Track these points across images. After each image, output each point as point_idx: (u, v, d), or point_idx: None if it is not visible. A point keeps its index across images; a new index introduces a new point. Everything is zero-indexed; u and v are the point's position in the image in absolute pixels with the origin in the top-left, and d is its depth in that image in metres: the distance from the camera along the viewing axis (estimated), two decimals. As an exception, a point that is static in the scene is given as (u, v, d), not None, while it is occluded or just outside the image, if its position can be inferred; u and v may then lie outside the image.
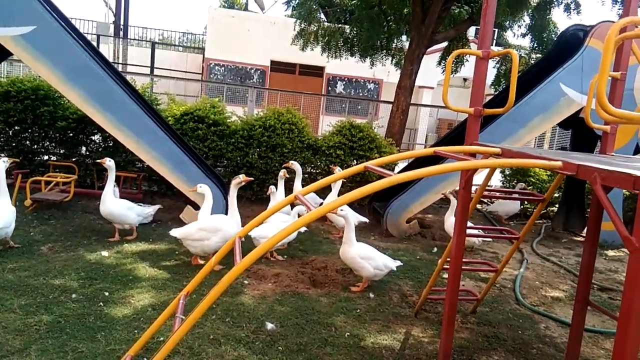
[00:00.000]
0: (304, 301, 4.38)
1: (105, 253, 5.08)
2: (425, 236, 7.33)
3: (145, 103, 6.88)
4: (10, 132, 7.65)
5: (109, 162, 5.62)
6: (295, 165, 7.15)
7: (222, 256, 2.75)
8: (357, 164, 8.56)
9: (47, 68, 5.86)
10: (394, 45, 11.63)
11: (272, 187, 6.17)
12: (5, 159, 5.08)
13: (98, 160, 5.73)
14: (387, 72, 18.04)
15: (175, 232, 4.99)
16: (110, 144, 8.07)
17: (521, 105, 6.81)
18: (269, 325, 3.81)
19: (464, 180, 3.34)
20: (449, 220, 6.67)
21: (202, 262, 5.12)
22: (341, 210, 4.68)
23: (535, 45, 11.48)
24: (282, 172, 6.57)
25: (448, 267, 3.85)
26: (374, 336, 3.87)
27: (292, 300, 4.36)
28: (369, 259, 4.70)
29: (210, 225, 5.00)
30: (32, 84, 7.63)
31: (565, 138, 14.28)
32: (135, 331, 3.54)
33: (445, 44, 11.25)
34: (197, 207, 6.62)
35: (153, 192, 8.14)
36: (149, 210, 5.96)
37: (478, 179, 4.70)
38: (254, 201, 8.38)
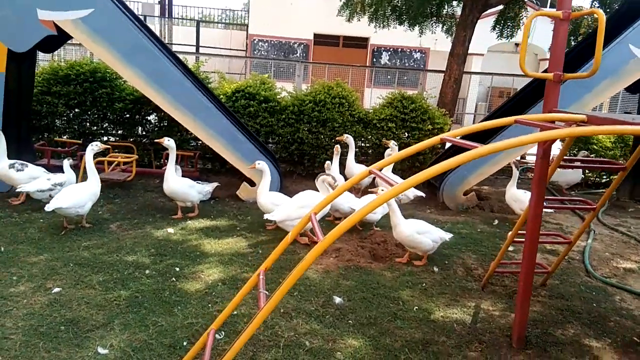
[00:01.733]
0: (367, 275, 4.38)
1: (171, 230, 5.24)
2: (483, 208, 7.13)
3: (199, 81, 6.93)
4: (71, 114, 7.94)
5: (167, 142, 5.73)
6: (349, 139, 7.07)
7: (299, 231, 2.73)
8: (408, 136, 8.38)
9: (105, 49, 5.99)
10: (444, 11, 11.17)
11: (328, 163, 6.13)
12: (98, 143, 5.29)
13: (157, 140, 5.87)
14: (434, 40, 17.44)
15: (273, 217, 5.02)
16: (165, 124, 8.24)
17: (587, 68, 6.40)
18: (337, 299, 3.83)
19: (542, 150, 3.17)
20: (510, 192, 6.45)
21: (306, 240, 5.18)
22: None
23: (597, 5, 10.72)
24: (337, 147, 6.50)
25: (518, 240, 3.73)
26: (443, 310, 3.82)
27: (355, 275, 4.36)
28: (425, 232, 4.63)
29: (309, 202, 5.01)
30: (90, 67, 7.85)
31: (629, 103, 13.44)
32: (209, 305, 3.65)
33: (500, 7, 10.69)
34: (252, 184, 6.71)
35: (207, 169, 8.29)
36: (208, 188, 6.07)
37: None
38: (305, 177, 8.40)
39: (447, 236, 4.80)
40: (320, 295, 3.91)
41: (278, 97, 8.25)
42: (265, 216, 5.12)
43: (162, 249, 4.68)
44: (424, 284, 4.27)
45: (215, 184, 6.42)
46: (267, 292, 2.46)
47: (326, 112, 8.06)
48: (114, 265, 4.24)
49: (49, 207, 4.73)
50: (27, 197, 5.80)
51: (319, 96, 8.08)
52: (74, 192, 4.91)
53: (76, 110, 7.90)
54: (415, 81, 18.68)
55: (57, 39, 6.55)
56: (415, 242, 4.61)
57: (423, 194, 6.75)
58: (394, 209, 4.63)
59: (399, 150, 6.86)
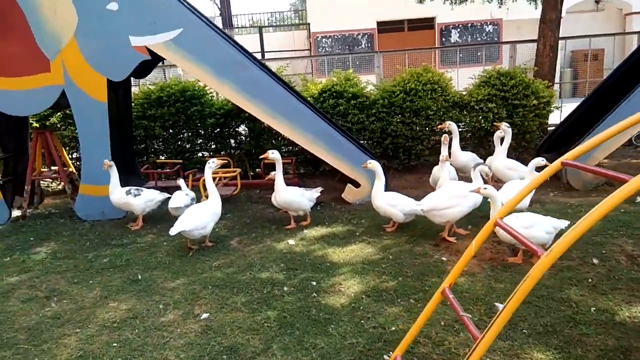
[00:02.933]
0: (520, 275, 3.96)
1: (292, 242, 5.10)
2: (613, 185, 6.43)
3: (289, 86, 6.79)
4: (167, 135, 8.10)
5: (272, 155, 5.59)
6: (452, 126, 6.63)
7: (483, 240, 2.42)
8: (508, 115, 7.78)
9: (198, 66, 5.97)
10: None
11: (444, 155, 5.71)
12: (214, 160, 5.29)
13: (262, 156, 5.73)
14: (505, 10, 16.35)
15: (420, 205, 4.89)
16: (255, 134, 8.21)
17: None
18: (500, 306, 3.47)
19: None
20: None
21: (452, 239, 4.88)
22: (484, 189, 4.26)
23: None
24: (445, 137, 6.10)
25: None
26: (626, 309, 3.36)
27: (506, 275, 3.98)
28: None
29: (458, 192, 4.81)
30: (179, 87, 7.96)
31: None
32: (362, 322, 3.42)
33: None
34: (356, 185, 6.47)
35: (301, 174, 8.16)
36: (316, 194, 5.90)
37: None
38: (401, 170, 8.06)
39: (563, 224, 4.25)
40: (478, 303, 3.57)
41: (364, 92, 7.96)
42: (415, 206, 4.94)
43: (290, 263, 4.54)
44: (590, 280, 3.80)
45: (319, 189, 6.23)
46: (468, 315, 2.18)
47: (418, 100, 7.66)
48: (250, 284, 4.14)
49: (173, 231, 4.74)
50: (144, 221, 5.93)
51: (409, 85, 7.70)
52: (196, 213, 4.89)
53: (170, 130, 8.04)
54: (490, 56, 17.70)
55: (149, 63, 6.67)
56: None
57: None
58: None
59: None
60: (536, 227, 4.15)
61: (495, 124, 6.66)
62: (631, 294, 3.54)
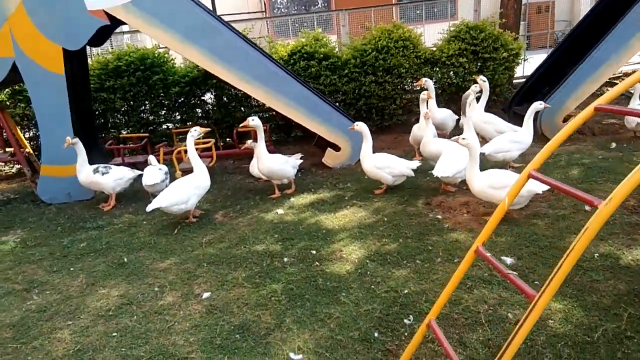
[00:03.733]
0: (518, 227, 4.00)
1: (280, 211, 4.93)
2: (584, 132, 6.60)
3: (261, 50, 6.44)
4: (127, 107, 7.59)
5: (253, 122, 5.30)
6: (429, 82, 6.53)
7: (516, 194, 2.33)
8: (479, 70, 7.77)
9: (163, 30, 5.54)
10: None
11: (425, 111, 5.61)
12: (198, 128, 4.94)
13: (242, 124, 5.42)
14: (460, -37, 16.23)
15: (445, 172, 4.67)
16: (225, 101, 7.84)
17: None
18: (508, 260, 3.48)
19: None
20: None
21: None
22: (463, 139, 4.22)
23: None
24: (427, 94, 6.01)
25: None
26: (628, 252, 3.44)
27: (505, 229, 3.98)
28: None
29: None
30: (138, 54, 7.42)
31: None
32: (372, 287, 3.34)
33: None
34: (337, 149, 6.31)
35: (274, 141, 7.91)
36: (299, 161, 5.70)
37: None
38: (375, 131, 7.93)
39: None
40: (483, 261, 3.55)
41: (335, 52, 7.71)
42: (437, 173, 4.71)
43: (284, 233, 4.38)
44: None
45: (299, 155, 6.04)
46: (514, 272, 2.10)
47: (390, 58, 7.51)
48: (247, 258, 3.96)
49: (149, 208, 4.49)
50: (117, 200, 5.59)
51: (380, 42, 7.51)
52: (175, 188, 4.62)
53: (132, 102, 7.54)
54: (445, 12, 17.59)
55: (106, 29, 6.12)
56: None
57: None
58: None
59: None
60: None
61: (474, 76, 6.60)
62: (629, 237, 3.63)
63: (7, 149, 6.60)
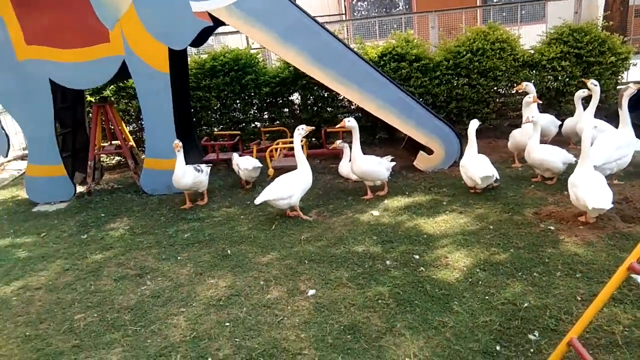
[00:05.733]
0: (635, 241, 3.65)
1: (375, 212, 4.87)
2: None
3: (355, 51, 6.41)
4: (220, 105, 7.85)
5: (349, 123, 5.28)
6: (530, 86, 6.20)
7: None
8: (583, 74, 7.28)
9: (263, 31, 5.66)
10: None
11: (531, 117, 5.32)
12: (304, 126, 5.06)
13: (338, 125, 5.42)
14: (553, -37, 15.38)
15: (597, 161, 4.53)
16: (309, 102, 7.91)
17: None
18: (638, 278, 3.19)
19: None
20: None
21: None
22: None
23: None
24: (532, 97, 5.74)
25: None
26: None
27: (627, 244, 3.66)
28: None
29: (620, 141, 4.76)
30: (232, 55, 7.66)
31: None
32: (486, 297, 3.19)
33: None
34: (429, 152, 6.15)
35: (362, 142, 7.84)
36: (392, 164, 5.61)
37: None
38: (465, 135, 7.63)
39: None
40: (605, 275, 3.28)
41: (427, 53, 7.54)
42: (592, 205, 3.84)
43: (383, 235, 4.31)
44: None
45: (390, 157, 5.94)
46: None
47: (486, 60, 7.23)
48: (348, 258, 3.93)
49: (258, 200, 4.67)
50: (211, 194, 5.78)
51: (476, 44, 7.25)
52: (282, 183, 4.72)
53: (224, 101, 7.80)
54: (535, 14, 16.78)
55: (207, 30, 6.35)
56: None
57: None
58: None
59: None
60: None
61: (584, 80, 6.17)
62: None
63: (113, 142, 7.03)
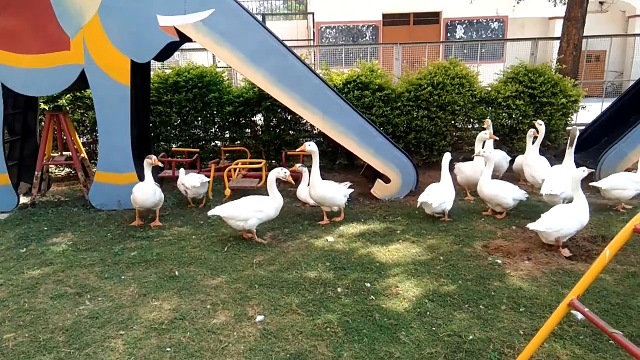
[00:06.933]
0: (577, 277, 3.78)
1: (330, 238, 4.85)
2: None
3: (320, 77, 6.49)
4: (181, 122, 7.72)
5: (309, 147, 5.31)
6: (489, 123, 6.42)
7: (619, 248, 2.18)
8: (535, 113, 7.62)
9: (230, 51, 5.64)
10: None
11: (479, 151, 5.50)
12: (287, 170, 4.85)
13: (298, 148, 5.44)
14: (512, 7, 16.26)
15: (603, 184, 5.37)
16: (272, 124, 7.91)
17: None
18: (579, 315, 3.28)
19: None
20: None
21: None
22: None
23: None
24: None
25: None
26: None
27: (570, 281, 3.79)
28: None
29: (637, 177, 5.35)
30: (197, 72, 7.60)
31: None
32: (434, 329, 3.20)
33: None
34: (387, 181, 6.23)
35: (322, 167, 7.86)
36: (349, 190, 5.64)
37: None
38: (422, 166, 7.84)
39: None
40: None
41: (390, 84, 7.72)
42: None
43: (336, 262, 4.28)
44: (664, 288, 3.64)
45: (349, 184, 5.98)
46: (619, 332, 1.96)
47: (445, 94, 7.46)
48: (299, 283, 3.88)
49: (211, 212, 4.66)
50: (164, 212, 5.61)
51: (437, 78, 7.48)
52: (242, 204, 4.65)
53: (186, 117, 7.68)
54: (494, 52, 17.59)
55: (172, 46, 6.29)
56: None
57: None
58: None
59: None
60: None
61: (533, 121, 6.47)
62: None
63: (64, 153, 6.76)
